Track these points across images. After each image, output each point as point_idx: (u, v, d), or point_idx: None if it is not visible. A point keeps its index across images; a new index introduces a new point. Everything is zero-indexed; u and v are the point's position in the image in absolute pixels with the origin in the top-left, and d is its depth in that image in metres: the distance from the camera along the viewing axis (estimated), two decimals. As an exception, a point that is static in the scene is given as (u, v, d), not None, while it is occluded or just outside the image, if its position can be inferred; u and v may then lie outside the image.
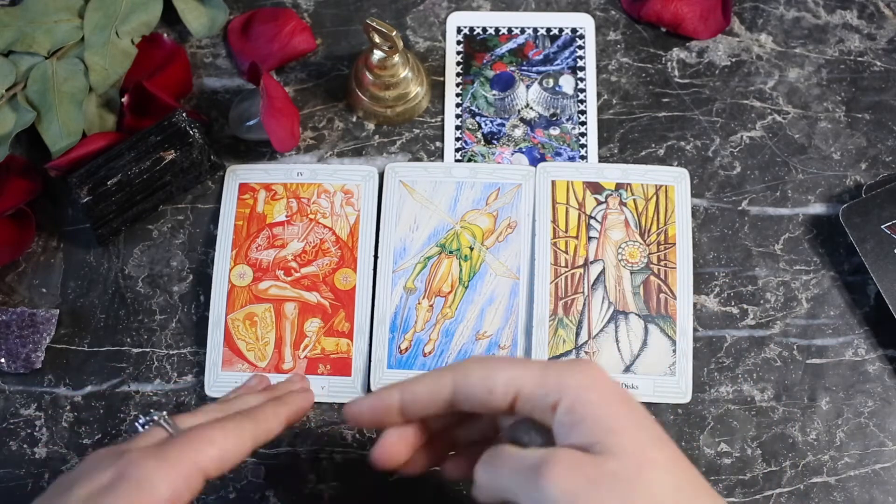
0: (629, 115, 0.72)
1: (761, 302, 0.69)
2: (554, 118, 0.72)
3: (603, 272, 0.69)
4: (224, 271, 0.69)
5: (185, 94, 0.74)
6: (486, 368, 0.51)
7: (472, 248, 0.69)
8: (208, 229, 0.71)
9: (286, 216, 0.70)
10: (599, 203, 0.70)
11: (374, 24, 0.65)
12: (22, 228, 0.70)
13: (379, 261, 0.69)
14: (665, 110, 0.72)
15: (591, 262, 0.69)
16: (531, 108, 0.73)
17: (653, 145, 0.72)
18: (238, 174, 0.71)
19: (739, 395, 0.67)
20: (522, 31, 0.75)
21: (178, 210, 0.71)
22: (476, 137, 0.73)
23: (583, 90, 0.73)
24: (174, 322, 0.69)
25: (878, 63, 0.73)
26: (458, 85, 0.74)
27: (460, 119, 0.73)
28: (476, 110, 0.73)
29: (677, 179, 0.70)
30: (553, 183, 0.70)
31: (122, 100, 0.71)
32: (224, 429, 0.51)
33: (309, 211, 0.70)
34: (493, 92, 0.74)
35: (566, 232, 0.69)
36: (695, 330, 0.68)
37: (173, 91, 0.72)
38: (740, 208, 0.70)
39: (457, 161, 0.72)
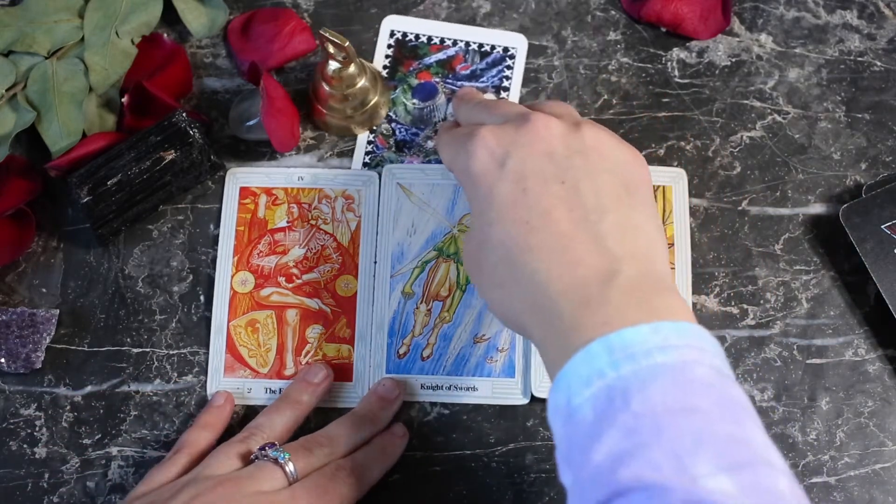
0: (629, 115, 0.72)
1: (761, 302, 0.69)
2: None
3: (602, 272, 0.68)
4: (226, 278, 0.69)
5: (185, 94, 0.73)
6: (439, 143, 0.63)
7: (469, 252, 0.69)
8: (208, 229, 0.71)
9: (287, 222, 0.70)
10: (598, 205, 0.70)
11: (327, 34, 0.65)
12: (22, 228, 0.70)
13: (377, 265, 0.69)
14: (665, 110, 0.72)
15: (591, 263, 0.69)
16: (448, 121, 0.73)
17: (653, 145, 0.72)
18: (238, 177, 0.71)
19: (739, 396, 0.67)
20: (455, 43, 0.74)
21: (178, 210, 0.71)
22: (388, 143, 0.72)
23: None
24: (174, 322, 0.69)
25: (878, 63, 0.73)
26: None
27: None
28: (393, 116, 0.73)
29: (675, 180, 0.70)
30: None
31: (122, 100, 0.71)
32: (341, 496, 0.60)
33: (310, 216, 0.70)
34: (414, 101, 0.73)
35: (566, 232, 0.69)
36: (695, 330, 0.68)
37: (173, 91, 0.72)
38: (740, 208, 0.70)
39: (364, 164, 0.72)
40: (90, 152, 0.68)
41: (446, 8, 0.75)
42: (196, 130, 0.68)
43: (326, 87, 0.70)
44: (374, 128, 0.73)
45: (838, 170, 0.71)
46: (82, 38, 0.72)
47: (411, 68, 0.74)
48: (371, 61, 0.74)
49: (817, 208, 0.70)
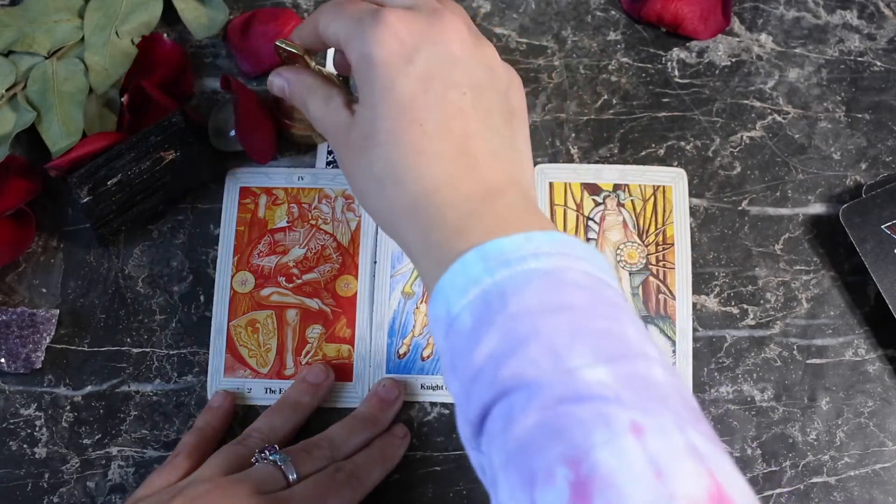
0: (629, 115, 0.72)
1: (761, 302, 0.69)
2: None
3: (602, 273, 0.69)
4: (226, 278, 0.69)
5: (185, 94, 0.73)
6: (328, 16, 0.56)
7: (470, 252, 0.69)
8: (208, 229, 0.71)
9: (287, 222, 0.70)
10: (597, 204, 0.70)
11: (283, 45, 0.64)
12: (22, 228, 0.70)
13: (377, 266, 0.69)
14: (665, 110, 0.72)
15: (591, 263, 0.69)
16: None
17: (653, 145, 0.72)
18: (239, 178, 0.71)
19: (739, 395, 0.67)
20: None
21: (178, 210, 0.71)
22: None
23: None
24: (174, 322, 0.69)
25: (878, 63, 0.73)
26: None
27: None
28: None
29: (675, 180, 0.70)
30: (551, 185, 0.70)
31: (122, 100, 0.71)
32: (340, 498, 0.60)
33: (310, 216, 0.70)
34: None
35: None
36: (695, 330, 0.68)
37: (173, 91, 0.72)
38: (740, 208, 0.70)
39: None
40: (90, 152, 0.68)
41: (446, 8, 0.75)
42: (196, 131, 0.68)
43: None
44: None
45: (838, 170, 0.71)
46: (82, 38, 0.72)
47: None
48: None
49: (817, 208, 0.70)
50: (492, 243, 0.47)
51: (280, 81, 0.61)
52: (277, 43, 0.64)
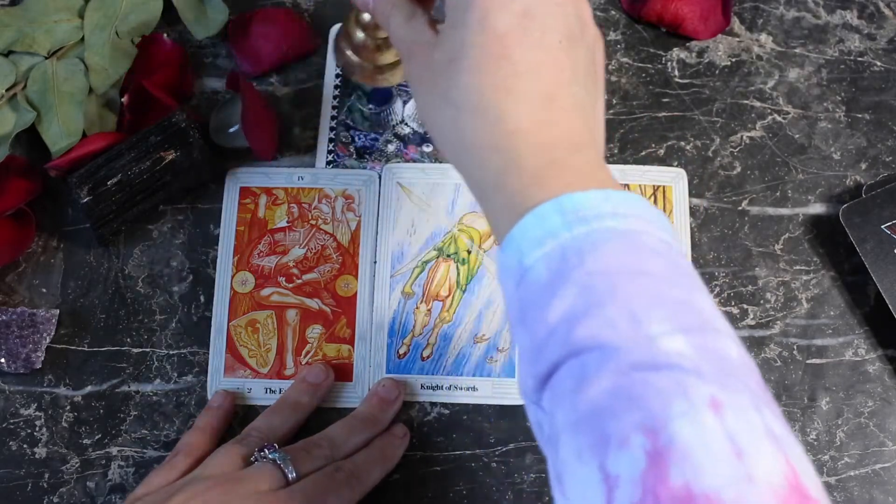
0: (629, 115, 0.72)
1: (761, 302, 0.69)
2: (428, 135, 0.72)
3: (602, 272, 0.68)
4: (226, 278, 0.69)
5: (185, 94, 0.73)
6: None
7: (469, 252, 0.69)
8: (208, 229, 0.71)
9: (287, 222, 0.70)
10: (598, 205, 0.70)
11: None
12: (22, 228, 0.70)
13: (377, 265, 0.69)
14: (665, 110, 0.72)
15: (591, 263, 0.69)
16: (406, 123, 0.72)
17: (653, 145, 0.72)
18: (239, 177, 0.71)
19: (739, 396, 0.67)
20: None
21: (178, 210, 0.71)
22: (349, 151, 0.72)
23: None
24: (174, 322, 0.69)
25: (878, 63, 0.73)
26: (335, 97, 0.73)
27: (334, 132, 0.73)
28: (350, 124, 0.73)
29: (675, 180, 0.70)
30: (552, 184, 0.70)
31: (122, 100, 0.71)
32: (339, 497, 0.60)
33: (310, 216, 0.70)
34: (370, 106, 0.73)
35: (566, 232, 0.69)
36: (695, 330, 0.68)
37: (173, 91, 0.72)
38: (740, 208, 0.70)
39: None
40: (90, 152, 0.68)
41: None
42: (196, 130, 0.68)
43: (360, 35, 0.63)
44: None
45: (838, 170, 0.71)
46: (82, 38, 0.72)
47: None
48: (324, 73, 0.74)
49: (817, 208, 0.70)
50: (569, 197, 0.45)
51: None
52: None
